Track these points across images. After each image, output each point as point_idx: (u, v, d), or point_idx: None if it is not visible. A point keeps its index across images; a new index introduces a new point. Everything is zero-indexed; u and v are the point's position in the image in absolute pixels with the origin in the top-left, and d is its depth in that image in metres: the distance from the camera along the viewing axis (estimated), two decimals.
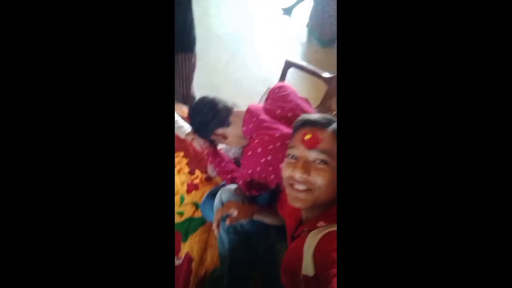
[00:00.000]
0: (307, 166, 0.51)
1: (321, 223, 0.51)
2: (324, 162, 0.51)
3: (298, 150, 0.53)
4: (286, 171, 0.55)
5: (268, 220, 0.76)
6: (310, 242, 0.49)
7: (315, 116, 0.56)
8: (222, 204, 0.73)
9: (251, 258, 0.76)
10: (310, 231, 0.52)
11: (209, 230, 0.89)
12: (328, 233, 0.47)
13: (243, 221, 0.71)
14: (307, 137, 0.52)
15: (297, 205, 0.53)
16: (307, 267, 0.48)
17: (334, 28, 2.12)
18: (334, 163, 0.51)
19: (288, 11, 2.59)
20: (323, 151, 0.51)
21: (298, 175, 0.51)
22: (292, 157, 0.55)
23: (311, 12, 2.29)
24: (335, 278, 0.38)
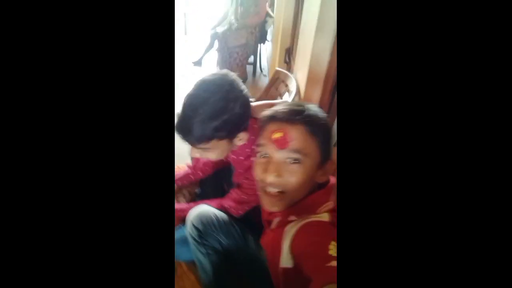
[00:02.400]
0: (279, 168, 0.48)
1: (292, 217, 0.50)
2: (296, 161, 0.48)
3: (267, 148, 0.50)
4: (258, 173, 0.51)
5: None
6: (286, 235, 0.49)
7: (282, 108, 0.51)
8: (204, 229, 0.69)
9: (238, 275, 0.73)
10: (283, 223, 0.52)
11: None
12: (302, 226, 0.47)
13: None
14: (276, 136, 0.48)
15: (273, 209, 0.52)
16: (286, 260, 0.49)
17: (243, 66, 2.40)
18: (307, 161, 0.48)
19: (198, 63, 2.82)
20: (295, 150, 0.47)
21: (270, 178, 0.48)
22: (263, 155, 0.51)
23: (217, 60, 2.53)
24: (318, 272, 0.39)
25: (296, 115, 0.49)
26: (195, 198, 0.99)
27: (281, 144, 0.47)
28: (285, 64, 1.91)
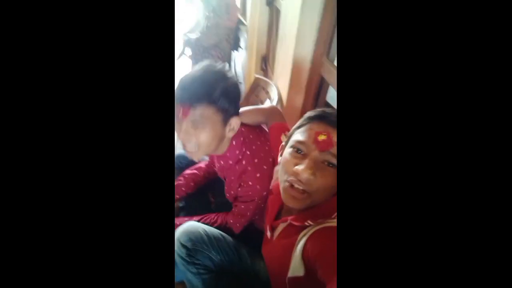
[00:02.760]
0: (316, 168, 0.47)
1: (308, 222, 0.49)
2: (332, 165, 0.47)
3: (307, 146, 0.49)
4: (289, 165, 0.49)
5: None
6: (299, 242, 0.48)
7: (332, 111, 0.51)
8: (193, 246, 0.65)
9: None
10: (296, 228, 0.50)
11: None
12: (316, 231, 0.46)
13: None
14: (322, 137, 0.47)
15: (292, 204, 0.50)
16: (297, 268, 0.47)
17: None
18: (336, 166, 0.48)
19: None
20: (335, 155, 0.47)
21: (304, 175, 0.46)
22: (298, 150, 0.50)
23: (191, 66, 2.48)
24: (333, 277, 0.38)
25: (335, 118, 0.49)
26: (179, 213, 0.93)
27: (325, 146, 0.47)
28: (262, 71, 1.92)
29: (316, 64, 1.05)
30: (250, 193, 0.71)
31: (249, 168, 0.70)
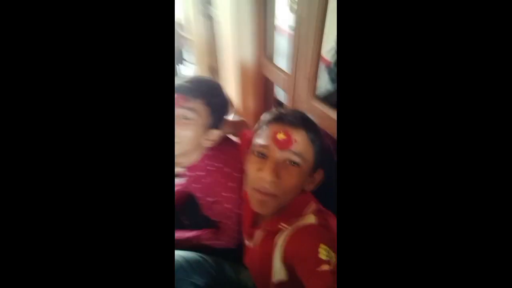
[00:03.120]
0: (278, 170, 0.46)
1: (282, 225, 0.49)
2: (296, 164, 0.47)
3: (268, 149, 0.48)
4: (252, 171, 0.49)
5: None
6: (277, 247, 0.48)
7: (288, 111, 0.51)
8: None
9: None
10: (272, 232, 0.50)
11: None
12: (292, 234, 0.46)
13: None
14: (280, 136, 0.47)
15: (260, 209, 0.49)
16: (279, 273, 0.48)
17: None
18: (304, 166, 0.47)
19: None
20: (296, 153, 0.46)
21: (268, 178, 0.45)
22: (260, 154, 0.49)
23: None
24: (309, 277, 0.39)
25: (300, 120, 0.48)
26: None
27: (285, 144, 0.46)
28: None
29: (258, 65, 1.08)
30: (226, 205, 0.70)
31: (221, 179, 0.69)
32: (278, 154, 0.47)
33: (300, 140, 0.47)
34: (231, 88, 1.23)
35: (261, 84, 1.12)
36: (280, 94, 1.17)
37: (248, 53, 1.06)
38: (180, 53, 2.49)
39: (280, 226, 0.49)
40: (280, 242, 0.47)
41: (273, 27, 1.01)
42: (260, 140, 0.50)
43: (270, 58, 1.05)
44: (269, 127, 0.49)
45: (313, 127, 0.49)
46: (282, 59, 1.10)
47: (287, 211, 0.50)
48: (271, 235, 0.50)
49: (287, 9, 1.44)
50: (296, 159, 0.47)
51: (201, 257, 0.70)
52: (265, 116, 0.52)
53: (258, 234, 0.57)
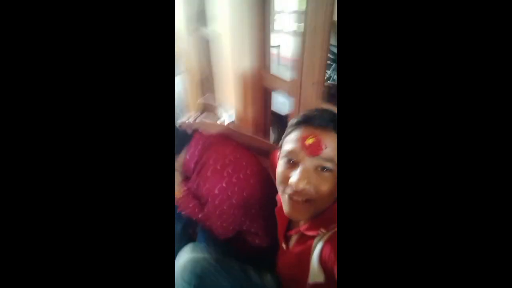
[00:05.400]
0: (309, 176, 0.44)
1: (322, 230, 0.47)
2: (328, 169, 0.44)
3: (297, 154, 0.46)
4: (284, 177, 0.47)
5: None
6: (314, 249, 0.47)
7: (317, 112, 0.48)
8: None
9: None
10: (312, 237, 0.48)
11: None
12: (330, 237, 0.45)
13: None
14: (309, 141, 0.44)
15: (295, 217, 0.48)
16: (316, 275, 0.46)
17: None
18: (335, 170, 0.44)
19: None
20: (327, 158, 0.44)
21: (300, 186, 0.44)
22: (290, 160, 0.47)
23: None
24: None
25: (329, 121, 0.46)
26: None
27: (315, 150, 0.44)
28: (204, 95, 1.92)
29: (257, 76, 1.12)
30: (222, 203, 0.70)
31: (208, 164, 0.72)
32: (309, 161, 0.45)
33: (330, 143, 0.44)
34: (229, 98, 1.25)
35: (260, 94, 1.16)
36: (277, 105, 1.21)
37: (247, 64, 1.09)
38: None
39: (320, 232, 0.47)
40: (319, 244, 0.46)
41: (270, 39, 1.07)
42: (288, 146, 0.48)
43: (268, 68, 1.10)
44: (298, 131, 0.47)
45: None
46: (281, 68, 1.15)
47: (327, 216, 0.48)
48: (309, 238, 0.49)
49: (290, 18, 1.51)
50: (327, 164, 0.44)
51: (226, 259, 0.67)
52: (293, 120, 0.50)
53: (295, 237, 0.56)
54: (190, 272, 0.59)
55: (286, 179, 0.47)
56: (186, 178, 0.81)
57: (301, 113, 0.50)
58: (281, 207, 0.58)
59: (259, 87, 1.13)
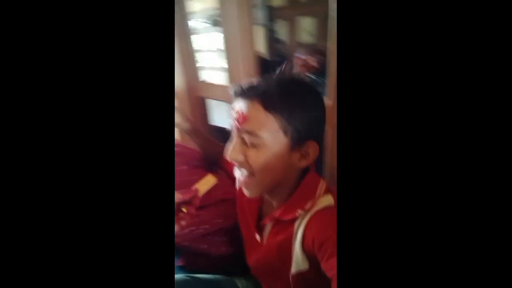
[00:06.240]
0: (238, 148, 0.44)
1: (299, 212, 0.46)
2: (254, 143, 0.42)
3: (232, 128, 0.46)
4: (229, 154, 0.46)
5: None
6: (295, 235, 0.46)
7: (248, 84, 0.45)
8: None
9: None
10: (291, 222, 0.47)
11: None
12: (310, 219, 0.44)
13: None
14: (235, 113, 0.44)
15: (247, 192, 0.47)
16: (300, 263, 0.46)
17: None
18: (262, 141, 0.42)
19: None
20: (249, 131, 0.42)
21: (231, 156, 0.44)
22: (234, 136, 0.46)
23: None
24: (332, 258, 0.37)
25: (255, 90, 0.42)
26: None
27: (238, 122, 0.43)
28: None
29: (191, 88, 1.10)
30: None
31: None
32: (240, 134, 0.44)
33: (254, 115, 0.41)
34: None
35: (197, 105, 1.14)
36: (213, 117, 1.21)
37: (178, 80, 1.07)
38: None
39: (297, 214, 0.46)
40: (300, 229, 0.45)
41: (193, 49, 1.06)
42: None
43: (198, 78, 1.09)
44: (233, 105, 0.46)
45: (277, 97, 0.42)
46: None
47: (298, 195, 0.47)
48: (286, 224, 0.47)
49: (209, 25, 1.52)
50: (252, 138, 0.42)
51: (216, 278, 0.63)
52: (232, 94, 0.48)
53: (269, 226, 0.53)
54: None
55: (230, 154, 0.47)
56: None
57: (234, 85, 0.47)
58: (245, 198, 0.55)
59: (195, 97, 1.11)
